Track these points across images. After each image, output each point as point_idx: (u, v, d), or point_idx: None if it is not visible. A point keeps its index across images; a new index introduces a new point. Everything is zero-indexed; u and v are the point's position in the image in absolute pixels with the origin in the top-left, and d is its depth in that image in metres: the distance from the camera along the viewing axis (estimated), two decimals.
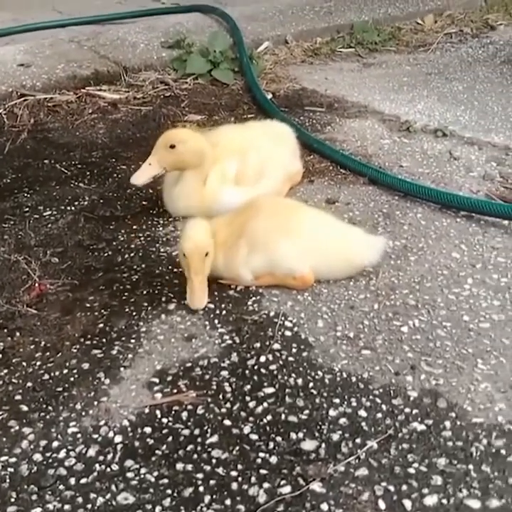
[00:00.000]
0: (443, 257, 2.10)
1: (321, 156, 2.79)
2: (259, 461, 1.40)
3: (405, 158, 2.79)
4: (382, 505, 1.30)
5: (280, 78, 3.81)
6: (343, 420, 1.50)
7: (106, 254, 2.12)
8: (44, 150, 2.90)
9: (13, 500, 1.32)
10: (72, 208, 2.41)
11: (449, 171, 2.68)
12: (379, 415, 1.51)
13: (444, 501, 1.31)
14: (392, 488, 1.34)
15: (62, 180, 2.63)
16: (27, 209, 2.41)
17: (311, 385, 1.60)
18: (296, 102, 3.46)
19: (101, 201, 2.46)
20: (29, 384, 1.62)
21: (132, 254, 2.12)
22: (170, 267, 2.05)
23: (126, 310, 1.87)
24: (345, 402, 1.55)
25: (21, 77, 3.44)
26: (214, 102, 3.44)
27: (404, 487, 1.34)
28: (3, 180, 2.63)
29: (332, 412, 1.52)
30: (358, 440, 1.45)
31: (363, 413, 1.52)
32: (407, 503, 1.31)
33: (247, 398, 1.56)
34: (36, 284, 1.94)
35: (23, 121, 3.12)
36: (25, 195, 2.52)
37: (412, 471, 1.37)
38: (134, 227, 2.28)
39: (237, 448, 1.43)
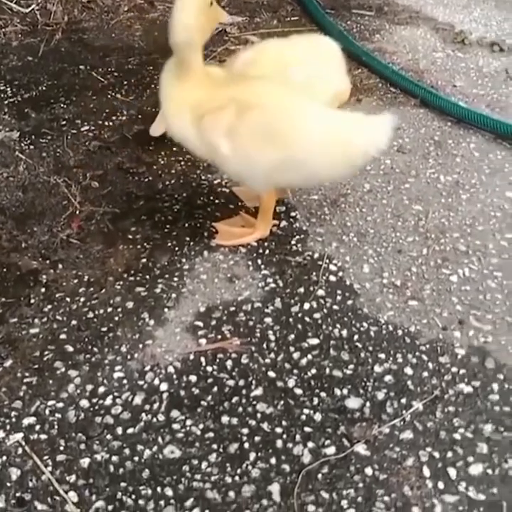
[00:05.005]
0: (496, 196, 2.01)
1: (370, 71, 2.64)
2: (303, 417, 1.40)
3: (459, 77, 2.64)
4: (426, 472, 1.30)
5: None
6: (388, 378, 1.49)
7: (146, 180, 2.07)
8: (79, 53, 2.77)
9: (61, 448, 1.34)
10: (111, 124, 2.33)
11: (505, 93, 2.53)
12: (425, 374, 1.49)
13: (489, 471, 1.31)
14: (437, 454, 1.33)
15: (98, 89, 2.53)
16: (64, 122, 2.34)
17: (356, 337, 1.58)
18: (343, 4, 3.25)
19: (139, 117, 2.37)
20: (73, 322, 1.61)
21: (173, 181, 2.06)
22: (211, 198, 1.99)
23: (169, 244, 1.83)
24: (391, 358, 1.53)
25: None
26: (256, 2, 3.24)
27: (450, 454, 1.34)
28: (38, 87, 2.53)
29: (377, 368, 1.51)
30: (403, 400, 1.44)
31: (408, 371, 1.50)
32: (452, 472, 1.31)
33: (292, 349, 1.55)
34: (75, 219, 1.88)
35: (56, 19, 2.97)
36: (62, 105, 2.43)
37: (457, 436, 1.37)
38: (174, 148, 2.20)
39: (282, 402, 1.43)
